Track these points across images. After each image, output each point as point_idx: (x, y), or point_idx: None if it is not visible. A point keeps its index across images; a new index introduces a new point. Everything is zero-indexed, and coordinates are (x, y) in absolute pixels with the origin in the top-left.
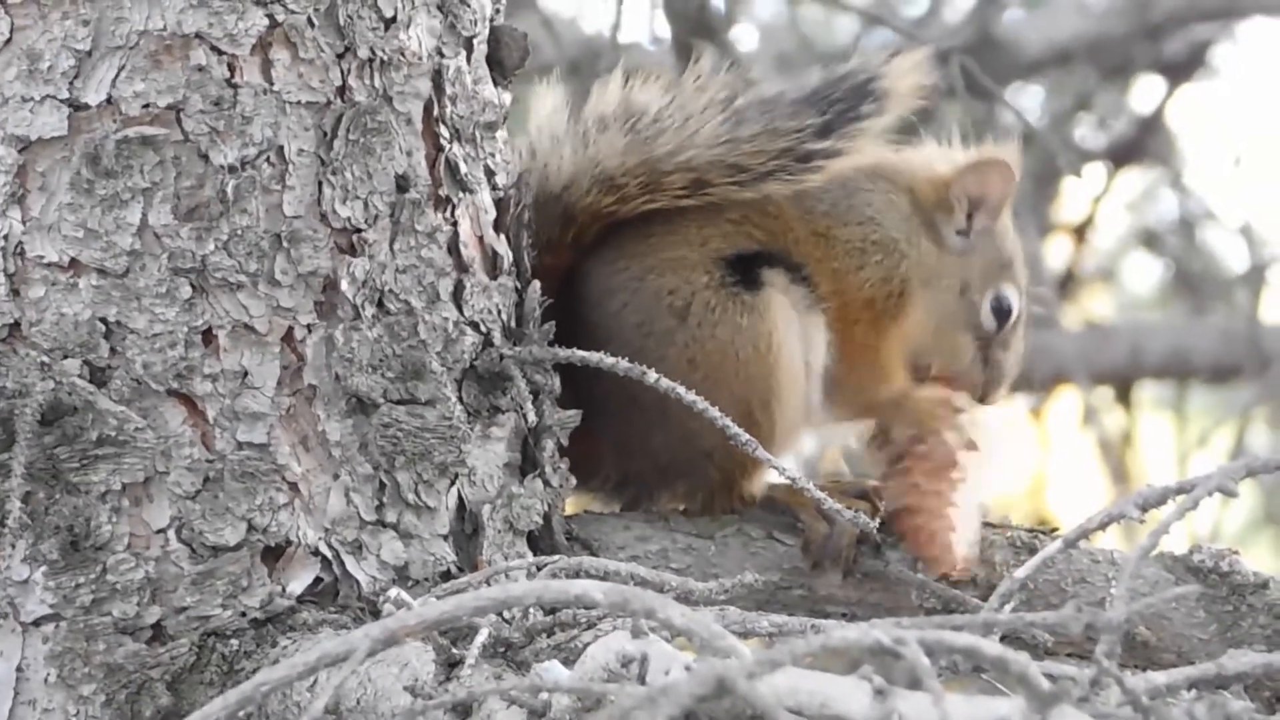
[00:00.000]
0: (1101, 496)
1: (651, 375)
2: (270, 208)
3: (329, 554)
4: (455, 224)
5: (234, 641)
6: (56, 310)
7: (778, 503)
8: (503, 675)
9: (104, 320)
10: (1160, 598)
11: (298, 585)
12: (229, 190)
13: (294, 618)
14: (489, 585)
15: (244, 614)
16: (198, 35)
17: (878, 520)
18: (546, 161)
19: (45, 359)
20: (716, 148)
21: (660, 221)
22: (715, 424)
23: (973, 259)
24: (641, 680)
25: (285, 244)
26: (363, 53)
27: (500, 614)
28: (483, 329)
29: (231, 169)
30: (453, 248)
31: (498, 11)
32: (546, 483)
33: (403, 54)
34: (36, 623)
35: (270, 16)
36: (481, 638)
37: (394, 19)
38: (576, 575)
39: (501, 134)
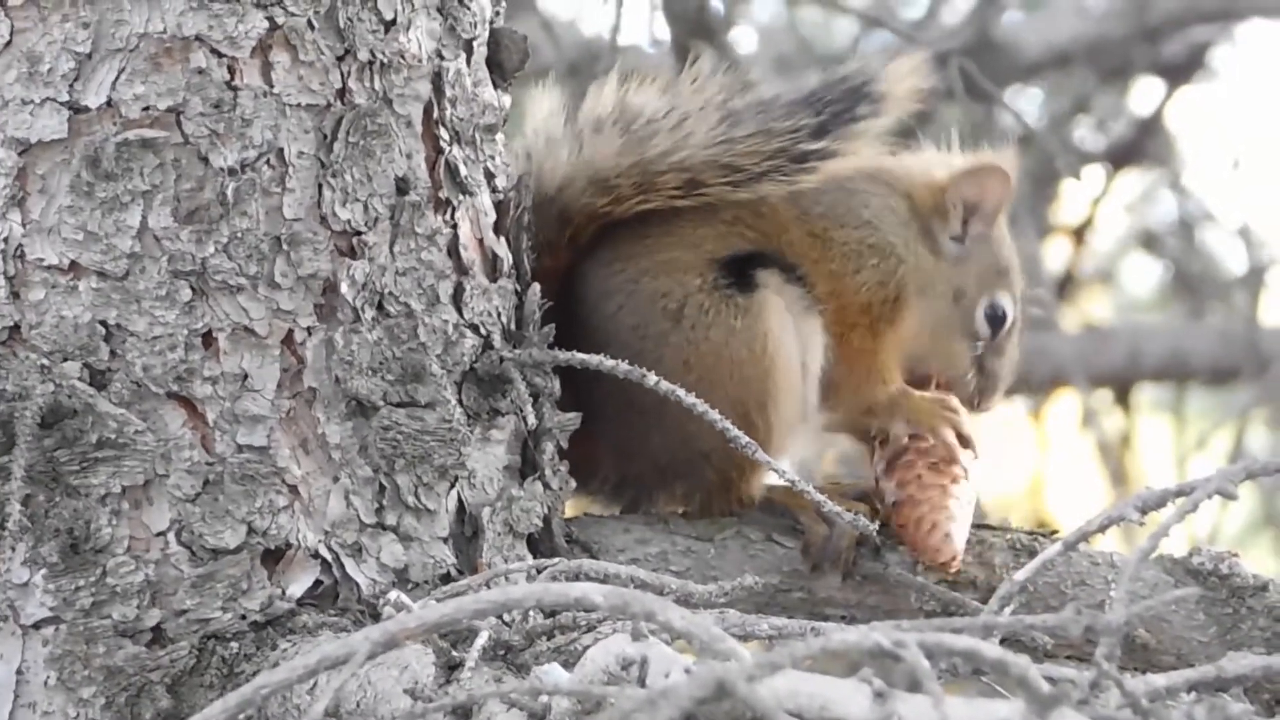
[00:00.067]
0: (1100, 499)
1: (651, 378)
2: (270, 210)
3: (329, 557)
4: (455, 227)
5: (234, 644)
6: (56, 313)
7: (776, 505)
8: (503, 678)
9: (104, 323)
10: (1160, 600)
11: (298, 588)
12: (229, 193)
13: (294, 620)
14: (489, 588)
15: (244, 617)
16: (198, 38)
17: (877, 522)
18: (542, 163)
19: (45, 362)
20: (711, 148)
21: (657, 223)
22: (713, 426)
23: (968, 266)
24: (641, 683)
25: (285, 246)
26: (363, 55)
27: (500, 617)
28: (483, 332)
29: (231, 171)
30: (453, 250)
31: (497, 14)
32: (546, 485)
33: (403, 56)
34: (36, 625)
35: (270, 19)
36: (481, 640)
37: (394, 21)
38: (576, 578)
39: (501, 136)
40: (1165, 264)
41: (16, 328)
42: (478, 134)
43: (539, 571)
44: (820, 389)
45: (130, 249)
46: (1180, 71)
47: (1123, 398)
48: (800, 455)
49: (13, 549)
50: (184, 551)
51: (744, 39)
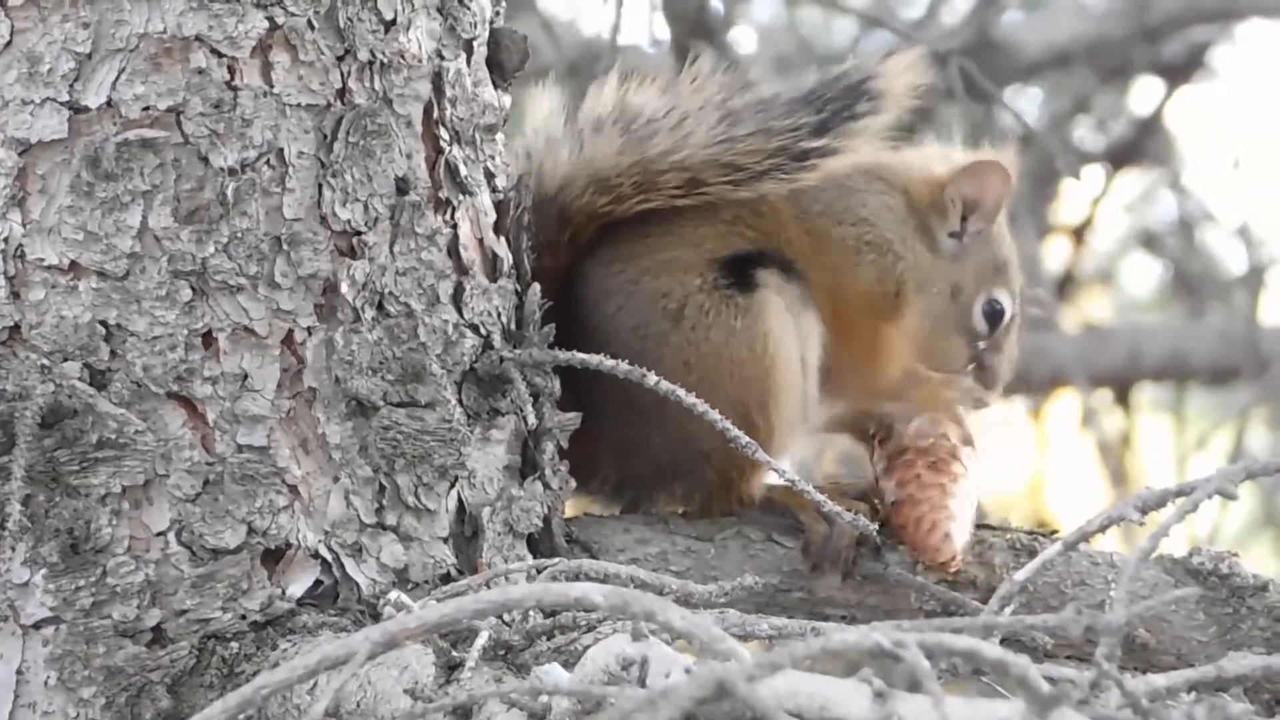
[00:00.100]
0: (1100, 499)
1: (651, 378)
2: (270, 210)
3: (329, 557)
4: (455, 226)
5: (234, 644)
6: (56, 313)
7: (776, 504)
8: (503, 678)
9: (104, 323)
10: (1160, 600)
11: (298, 588)
12: (229, 193)
13: (294, 620)
14: (489, 588)
15: (244, 617)
16: (198, 38)
17: (877, 522)
18: (542, 163)
19: (45, 362)
20: (711, 147)
21: (657, 222)
22: (713, 426)
23: (965, 263)
24: (641, 683)
25: (285, 246)
26: (363, 55)
27: (500, 617)
28: (483, 331)
29: (231, 171)
30: (453, 250)
31: (497, 14)
32: (546, 485)
33: (403, 56)
34: (37, 625)
35: (270, 19)
36: (481, 640)
37: (394, 21)
38: (576, 578)
39: (501, 136)
40: (1165, 264)
41: (17, 328)
42: (478, 134)
43: (539, 571)
44: (822, 380)
45: (130, 249)
46: (1180, 71)
47: (1123, 398)
48: (800, 455)
49: (13, 549)
50: (184, 551)
51: (744, 39)
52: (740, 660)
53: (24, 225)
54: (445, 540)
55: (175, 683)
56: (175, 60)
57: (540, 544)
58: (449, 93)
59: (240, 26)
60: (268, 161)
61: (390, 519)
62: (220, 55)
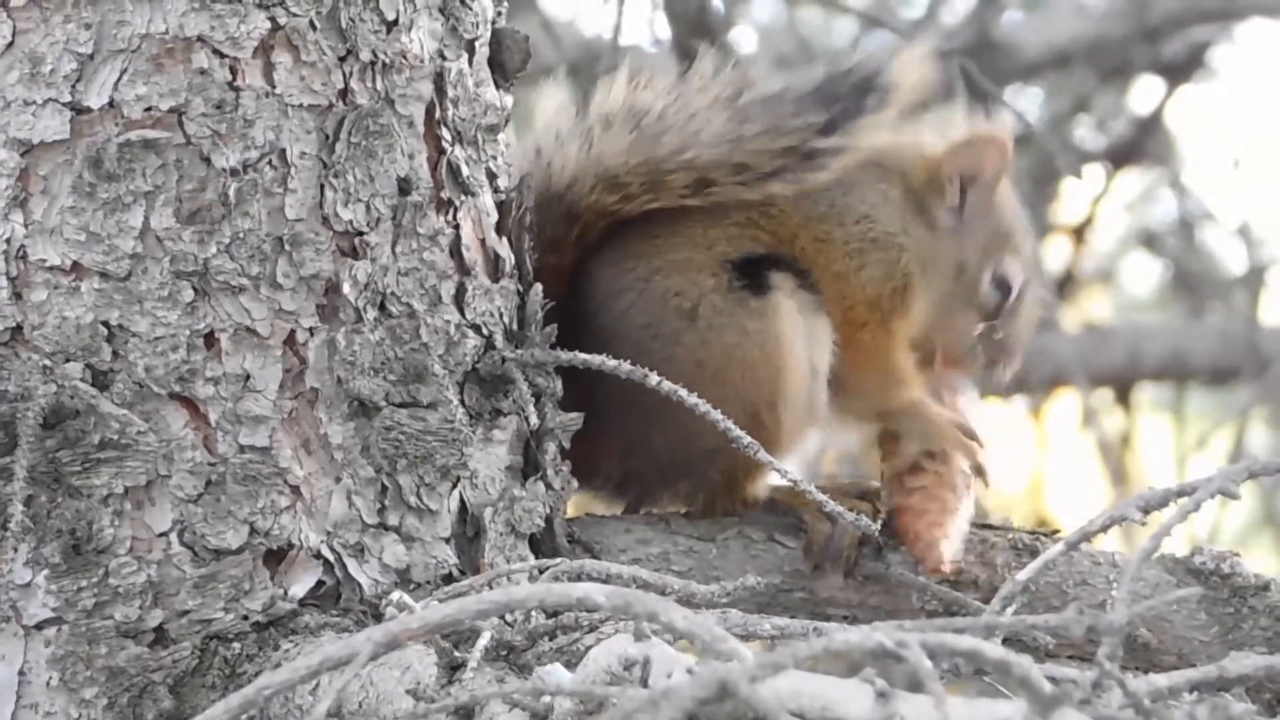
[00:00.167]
0: (1101, 498)
1: (653, 378)
2: (272, 211)
3: (331, 557)
4: (457, 227)
5: (236, 645)
6: (59, 314)
7: (779, 504)
8: (505, 678)
9: (106, 323)
10: (1162, 600)
11: (300, 588)
12: (231, 193)
13: (296, 621)
14: (491, 588)
15: (246, 617)
16: (200, 38)
17: (879, 522)
18: (550, 160)
19: (47, 362)
20: (720, 147)
21: (665, 222)
22: (715, 426)
23: (968, 236)
24: (644, 683)
25: (287, 247)
26: (365, 55)
27: (502, 617)
28: (485, 332)
29: (233, 172)
30: (455, 250)
31: (499, 14)
32: (548, 485)
33: (404, 57)
34: (39, 626)
35: (272, 19)
36: (484, 641)
37: (396, 22)
38: (579, 578)
39: (503, 136)
40: (1165, 263)
41: (19, 328)
42: (480, 134)
43: (541, 572)
44: (831, 390)
45: (132, 250)
46: (1180, 71)
47: (1123, 397)
48: (803, 456)
49: (15, 550)
50: (186, 552)
51: (744, 39)
52: (742, 660)
53: (26, 226)
54: (447, 541)
55: (177, 683)
56: (177, 61)
57: (542, 544)
58: (451, 93)
59: (242, 27)
60: (270, 162)
61: (392, 519)
62: (222, 56)
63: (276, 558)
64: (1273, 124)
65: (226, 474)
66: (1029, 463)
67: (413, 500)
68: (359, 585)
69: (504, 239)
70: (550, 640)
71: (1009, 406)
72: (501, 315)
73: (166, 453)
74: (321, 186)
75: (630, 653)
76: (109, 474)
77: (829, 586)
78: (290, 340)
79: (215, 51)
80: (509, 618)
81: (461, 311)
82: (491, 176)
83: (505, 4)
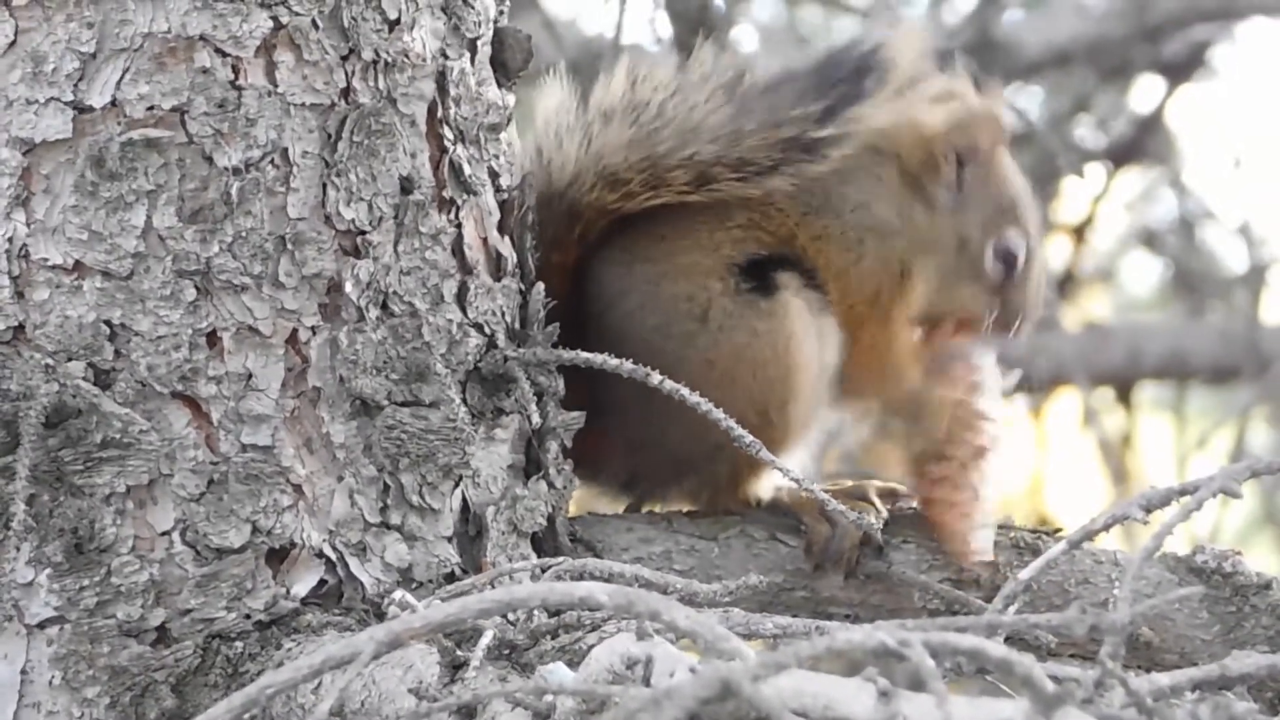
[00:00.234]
0: (1101, 498)
1: (655, 377)
2: (274, 210)
3: (333, 556)
4: (459, 226)
5: (238, 644)
6: (61, 313)
7: (780, 506)
8: (507, 677)
9: (108, 323)
10: (1164, 599)
11: (302, 587)
12: (233, 192)
13: (298, 620)
14: (493, 587)
15: (248, 616)
16: (202, 37)
17: (881, 521)
18: (551, 158)
19: (50, 361)
20: (719, 142)
21: (670, 221)
22: (719, 425)
23: (967, 212)
24: (646, 682)
25: (289, 246)
26: (367, 54)
27: (505, 616)
28: (487, 331)
29: (236, 171)
30: (457, 249)
31: (501, 13)
32: (550, 484)
33: (407, 56)
34: (41, 625)
35: (275, 18)
36: (486, 640)
37: (398, 21)
38: (581, 577)
39: (505, 135)
40: (1165, 262)
41: (21, 327)
42: (482, 133)
43: (543, 571)
44: (838, 384)
45: (135, 248)
46: (1181, 70)
47: (1123, 396)
48: (805, 456)
49: (17, 549)
50: (188, 551)
51: (745, 38)
52: (745, 659)
53: (28, 225)
54: (449, 539)
55: (179, 682)
56: (179, 60)
57: (544, 543)
58: (453, 92)
59: (244, 26)
60: (272, 161)
61: (394, 518)
62: (224, 55)
63: (279, 557)
64: (1273, 123)
65: (229, 473)
66: (1029, 462)
67: (415, 499)
68: (361, 584)
69: (506, 238)
70: (552, 639)
71: (1009, 406)
72: (504, 314)
73: (169, 452)
74: (324, 185)
75: (633, 652)
76: (111, 473)
77: (830, 586)
78: (292, 339)
79: (217, 50)
80: (511, 617)
81: (464, 310)
82: (494, 175)
83: (507, 3)
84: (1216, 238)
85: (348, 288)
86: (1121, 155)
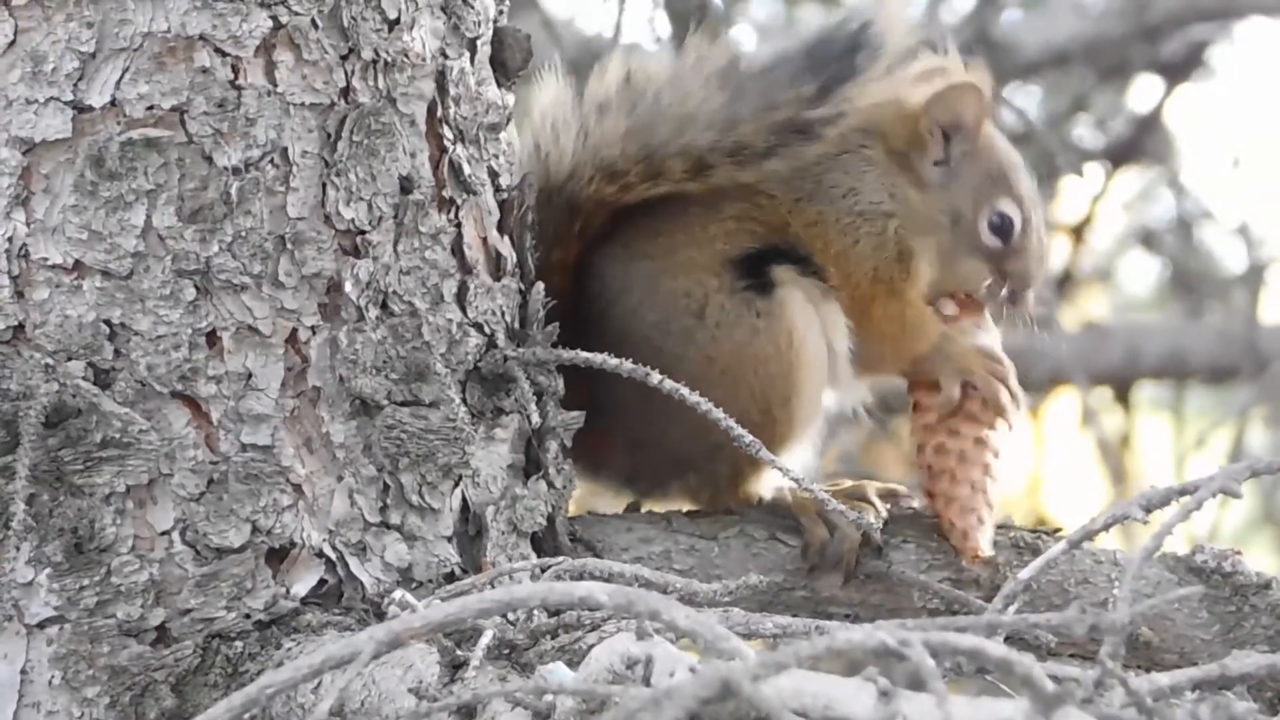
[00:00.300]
0: (1100, 497)
1: (655, 376)
2: (274, 209)
3: (333, 556)
4: (459, 225)
5: (238, 643)
6: (61, 312)
7: (781, 505)
8: (507, 677)
9: (108, 322)
10: (1163, 599)
11: (302, 587)
12: (233, 192)
13: (298, 620)
14: (493, 587)
15: (248, 616)
16: (201, 37)
17: (880, 521)
18: (549, 152)
19: (49, 361)
20: (715, 128)
21: (666, 216)
22: (719, 424)
23: (958, 186)
24: (646, 682)
25: (289, 246)
26: (366, 54)
27: (504, 616)
28: (486, 330)
29: (235, 171)
30: (456, 249)
31: (501, 13)
32: (550, 484)
33: (406, 55)
34: (41, 625)
35: (274, 18)
36: (486, 640)
37: (397, 20)
38: (581, 577)
39: (505, 135)
40: (1164, 262)
41: (21, 327)
42: (481, 133)
43: (543, 570)
44: (855, 363)
45: (134, 248)
46: (1179, 70)
47: (1122, 396)
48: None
49: (17, 548)
50: (188, 550)
51: (743, 38)
52: (745, 659)
53: (28, 225)
54: (449, 539)
55: (179, 682)
56: (179, 59)
57: (544, 543)
58: (453, 91)
59: (244, 26)
60: (272, 160)
61: (394, 518)
62: (224, 54)
63: (278, 556)
64: (1272, 123)
65: (228, 472)
66: (1028, 462)
67: (414, 499)
68: (361, 584)
69: (506, 237)
70: (552, 639)
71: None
72: (503, 314)
73: (168, 451)
74: (323, 185)
75: (633, 651)
76: (111, 472)
77: (829, 586)
78: (292, 339)
79: (217, 50)
80: (511, 616)
81: (463, 310)
82: (493, 175)
83: (507, 2)
84: (1215, 238)
85: (347, 287)
86: (1120, 155)
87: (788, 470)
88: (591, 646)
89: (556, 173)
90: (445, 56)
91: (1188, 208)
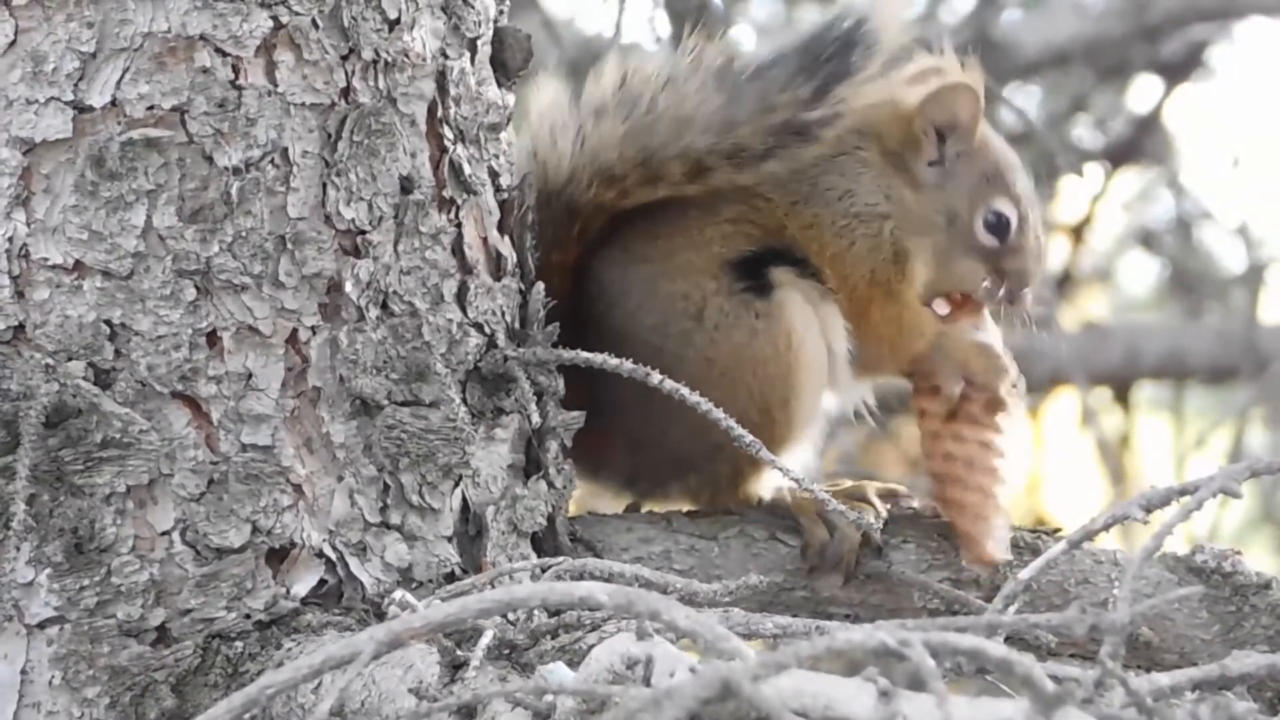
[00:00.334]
0: (1099, 498)
1: (655, 376)
2: (274, 209)
3: (333, 556)
4: (459, 225)
5: (238, 644)
6: (61, 312)
7: (781, 505)
8: (507, 677)
9: (108, 322)
10: (1163, 599)
11: (302, 587)
12: (233, 192)
13: (298, 620)
14: (493, 587)
15: (248, 616)
16: (202, 37)
17: (880, 521)
18: (546, 158)
19: (50, 361)
20: (713, 131)
21: (664, 219)
22: (720, 425)
23: (952, 186)
24: (646, 682)
25: (289, 246)
26: (367, 54)
27: (505, 616)
28: (487, 330)
29: (236, 171)
30: (457, 249)
31: (501, 13)
32: (550, 484)
33: (407, 55)
34: (41, 625)
35: (275, 18)
36: (486, 640)
37: (398, 20)
38: (581, 577)
39: (505, 135)
40: (1163, 262)
41: (21, 327)
42: (482, 133)
43: (543, 570)
44: (855, 364)
45: (135, 248)
46: (1179, 70)
47: (1121, 396)
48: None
49: (17, 549)
50: (188, 551)
51: (743, 38)
52: (745, 659)
53: (28, 225)
54: (449, 539)
55: (179, 682)
56: (180, 59)
57: (544, 543)
58: (453, 91)
59: (245, 26)
60: (272, 160)
61: (394, 518)
62: (225, 54)
63: (279, 556)
64: (1271, 123)
65: (229, 473)
66: (1027, 462)
67: (415, 499)
68: (361, 584)
69: (506, 237)
70: (552, 639)
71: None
72: (504, 314)
73: (169, 451)
74: (324, 185)
75: (633, 651)
76: (111, 473)
77: (829, 586)
78: (292, 339)
79: (217, 50)
80: (511, 616)
81: (464, 310)
82: (493, 175)
83: (507, 3)
84: (1214, 238)
85: (348, 287)
86: (1119, 155)
87: (788, 470)
88: (592, 647)
89: (555, 177)
90: (446, 56)
91: (1187, 208)
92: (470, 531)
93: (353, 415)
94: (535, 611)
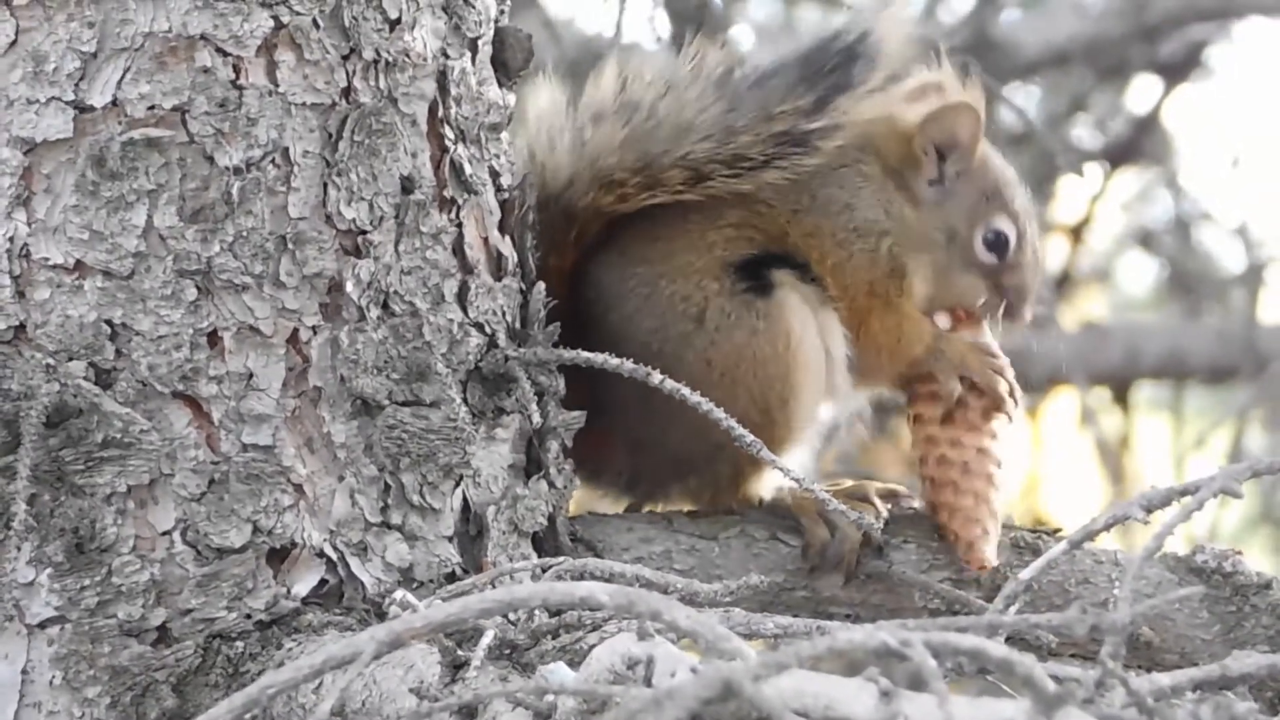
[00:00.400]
0: (1099, 498)
1: (656, 376)
2: (275, 209)
3: (334, 556)
4: (460, 225)
5: (239, 644)
6: (62, 312)
7: (782, 506)
8: (508, 677)
9: (109, 322)
10: (1164, 599)
11: (303, 587)
12: (234, 192)
13: (299, 620)
14: (494, 587)
15: (249, 616)
16: (203, 37)
17: (881, 521)
18: (544, 161)
19: (50, 361)
20: (713, 139)
21: (664, 222)
22: (720, 425)
23: (952, 204)
24: (647, 682)
25: (290, 245)
26: (368, 54)
27: (505, 616)
28: (487, 330)
29: (237, 170)
30: (458, 249)
31: (502, 13)
32: (551, 484)
33: (408, 55)
34: (42, 625)
35: (275, 18)
36: (487, 640)
37: (399, 20)
38: (581, 577)
39: (506, 135)
40: (1162, 263)
41: (22, 327)
42: (482, 133)
43: (544, 570)
44: (854, 371)
45: (135, 248)
46: (1178, 70)
47: (1121, 397)
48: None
49: (18, 549)
50: (189, 551)
51: (742, 38)
52: (746, 659)
53: (29, 224)
54: (450, 539)
55: (180, 682)
56: (180, 59)
57: (545, 543)
58: (454, 91)
59: (245, 25)
60: (273, 160)
61: (395, 518)
62: (225, 54)
63: (279, 556)
64: (1271, 123)
65: (229, 473)
66: (1026, 462)
67: (415, 499)
68: (362, 584)
69: (506, 237)
70: (553, 639)
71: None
72: (504, 314)
73: (169, 451)
74: (324, 185)
75: (634, 652)
76: (112, 473)
77: (830, 586)
78: (293, 339)
79: (218, 50)
80: (512, 616)
81: (464, 310)
82: (494, 175)
83: (508, 2)
84: (1213, 238)
85: (349, 287)
86: (1119, 155)
87: (788, 470)
88: (592, 647)
89: (553, 181)
90: (446, 56)
91: (1186, 208)
92: (471, 531)
93: (354, 415)
94: (536, 611)
